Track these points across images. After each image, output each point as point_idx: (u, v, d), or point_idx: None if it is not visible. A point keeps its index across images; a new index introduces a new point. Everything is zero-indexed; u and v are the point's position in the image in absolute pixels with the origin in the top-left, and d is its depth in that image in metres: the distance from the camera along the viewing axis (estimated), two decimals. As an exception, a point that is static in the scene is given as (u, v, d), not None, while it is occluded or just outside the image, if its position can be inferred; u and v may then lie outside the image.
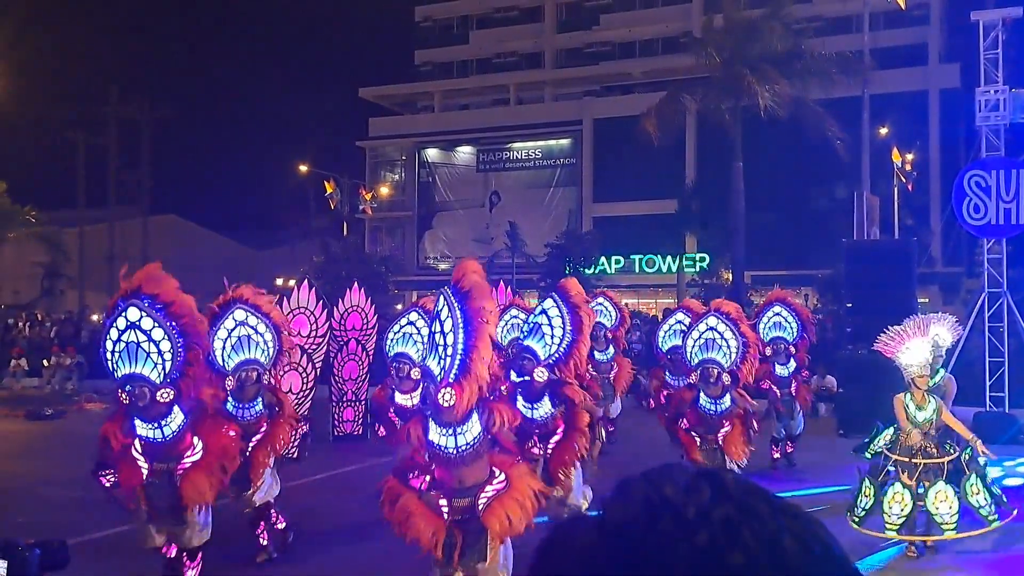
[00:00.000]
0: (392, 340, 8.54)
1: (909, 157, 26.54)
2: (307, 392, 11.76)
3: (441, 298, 5.05)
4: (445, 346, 4.93)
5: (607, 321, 11.45)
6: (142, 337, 5.51)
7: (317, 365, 11.79)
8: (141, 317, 5.50)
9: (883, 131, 27.37)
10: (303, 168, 37.09)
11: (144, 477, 5.76)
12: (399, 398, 8.44)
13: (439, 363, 4.98)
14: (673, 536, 0.57)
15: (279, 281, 33.45)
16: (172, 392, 5.59)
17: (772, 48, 21.70)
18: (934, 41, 34.39)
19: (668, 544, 0.57)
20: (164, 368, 5.58)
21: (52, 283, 34.61)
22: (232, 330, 7.17)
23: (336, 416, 13.33)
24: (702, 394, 7.93)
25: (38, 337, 24.21)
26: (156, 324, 5.53)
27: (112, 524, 7.72)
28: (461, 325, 4.88)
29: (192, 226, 44.36)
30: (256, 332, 7.29)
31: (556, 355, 7.22)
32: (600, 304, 11.66)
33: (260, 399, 7.18)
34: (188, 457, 5.77)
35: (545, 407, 7.14)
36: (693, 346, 7.99)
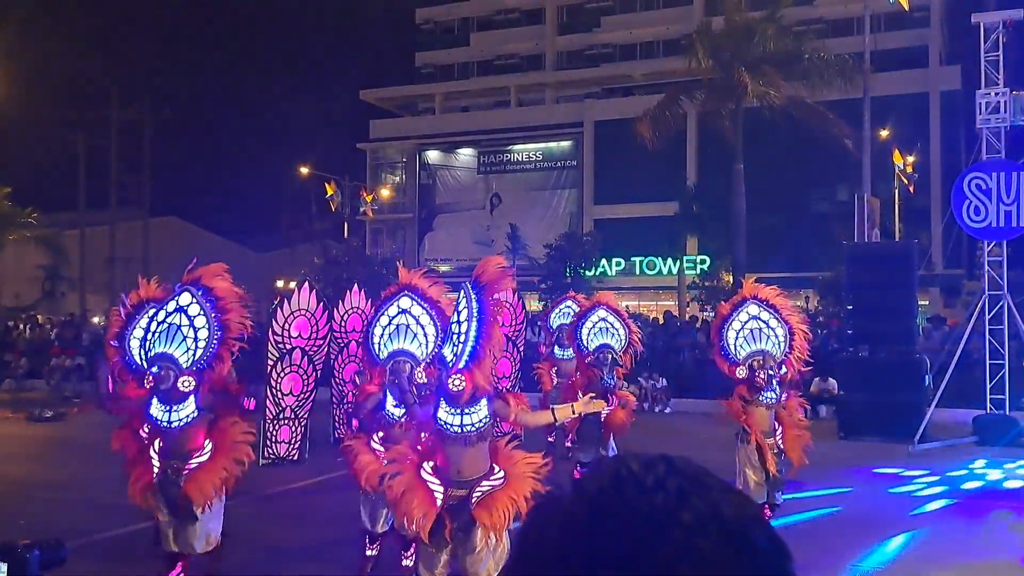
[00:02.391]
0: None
1: (910, 159, 26.55)
2: (308, 394, 11.78)
3: (461, 292, 5.20)
4: (459, 334, 5.12)
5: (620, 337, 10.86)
6: (184, 321, 5.78)
7: (318, 367, 11.82)
8: (191, 303, 5.80)
9: (884, 133, 27.38)
10: (304, 170, 37.12)
11: (155, 476, 5.82)
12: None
13: (452, 350, 5.16)
14: (635, 499, 0.69)
15: (280, 283, 33.50)
16: (194, 381, 5.72)
17: (772, 50, 21.70)
18: (935, 43, 34.40)
19: (631, 506, 0.69)
20: (194, 355, 5.74)
21: (53, 286, 34.64)
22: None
23: (336, 418, 13.32)
24: (752, 387, 7.37)
25: (38, 339, 24.23)
26: (202, 312, 5.79)
27: (113, 526, 7.73)
28: (476, 315, 5.07)
29: (193, 228, 44.39)
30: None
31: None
32: (568, 307, 11.41)
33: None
34: (196, 457, 5.83)
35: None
36: (738, 338, 7.44)
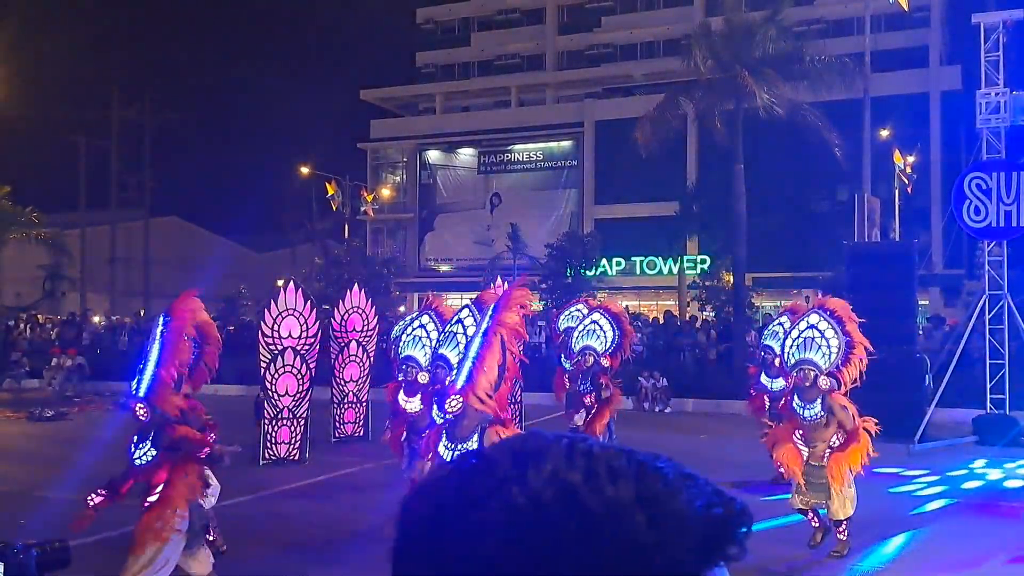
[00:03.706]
0: (404, 342, 8.32)
1: (910, 159, 26.55)
2: (304, 393, 11.79)
3: (466, 310, 5.53)
4: (464, 355, 5.21)
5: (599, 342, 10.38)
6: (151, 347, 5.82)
7: (311, 366, 11.82)
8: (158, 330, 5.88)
9: (884, 133, 27.37)
10: (305, 170, 37.12)
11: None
12: (401, 399, 8.45)
13: (457, 366, 5.29)
14: (533, 459, 0.69)
15: (280, 283, 33.48)
16: (144, 409, 5.62)
17: (772, 51, 21.69)
18: (935, 43, 34.39)
19: (529, 465, 0.68)
20: (142, 382, 5.71)
21: (54, 285, 34.64)
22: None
23: (337, 417, 13.35)
24: (796, 398, 7.31)
25: (39, 339, 24.24)
26: (156, 338, 5.82)
27: (116, 526, 7.73)
28: (480, 336, 5.15)
29: (194, 228, 44.41)
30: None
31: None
32: (578, 310, 11.19)
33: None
34: (152, 495, 5.73)
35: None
36: (792, 346, 7.34)
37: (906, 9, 24.35)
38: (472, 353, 5.12)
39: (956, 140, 29.17)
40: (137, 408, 5.63)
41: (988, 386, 13.17)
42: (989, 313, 13.22)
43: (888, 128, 27.70)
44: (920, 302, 16.59)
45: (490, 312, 5.21)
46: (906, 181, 25.47)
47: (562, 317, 12.53)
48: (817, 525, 7.22)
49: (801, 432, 7.19)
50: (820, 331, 7.21)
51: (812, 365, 7.09)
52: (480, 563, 0.65)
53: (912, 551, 7.48)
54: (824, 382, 7.06)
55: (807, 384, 7.08)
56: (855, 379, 7.23)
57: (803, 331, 7.27)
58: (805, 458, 7.14)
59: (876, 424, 7.23)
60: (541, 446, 0.70)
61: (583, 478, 0.66)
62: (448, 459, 5.07)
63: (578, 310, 11.09)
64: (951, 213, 13.68)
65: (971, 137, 13.62)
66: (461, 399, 5.05)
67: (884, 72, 27.45)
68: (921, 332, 15.96)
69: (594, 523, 0.64)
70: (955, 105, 29.61)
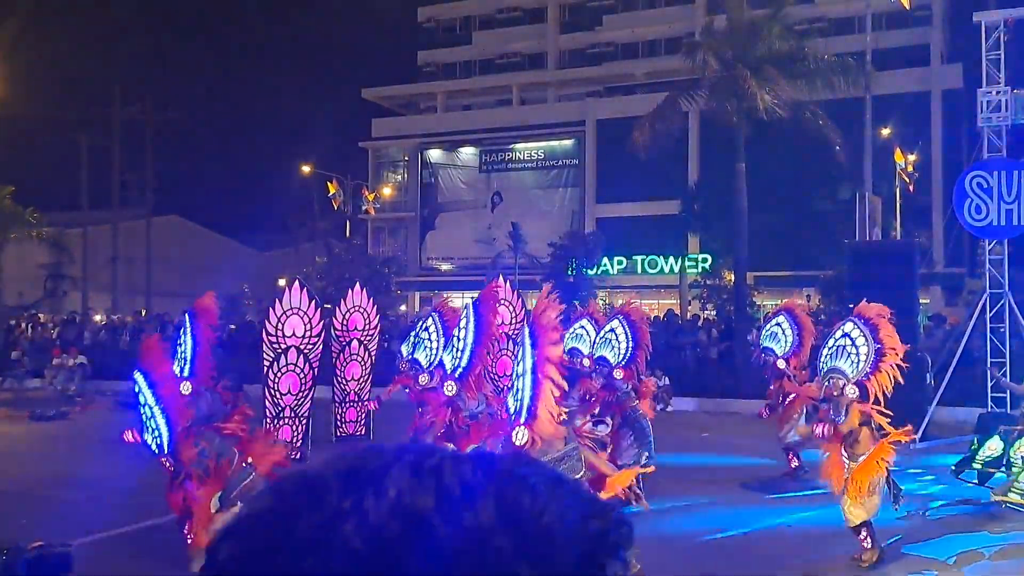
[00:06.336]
0: (410, 343, 9.04)
1: (911, 158, 26.54)
2: (307, 392, 11.79)
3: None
4: (517, 388, 5.29)
5: (584, 347, 10.31)
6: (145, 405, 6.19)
7: (315, 365, 11.81)
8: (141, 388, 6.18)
9: (886, 132, 27.35)
10: (306, 169, 37.13)
11: None
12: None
13: (514, 401, 5.32)
14: (372, 483, 0.57)
15: (282, 282, 33.51)
16: (171, 462, 6.19)
17: (774, 49, 21.65)
18: (936, 42, 34.37)
19: (367, 492, 0.57)
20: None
21: (55, 284, 34.67)
22: None
23: (339, 416, 13.36)
24: (831, 409, 7.19)
25: (40, 338, 24.27)
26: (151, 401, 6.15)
27: (117, 524, 7.74)
28: (530, 370, 5.22)
29: (196, 227, 44.42)
30: None
31: (460, 368, 7.59)
32: (582, 327, 10.71)
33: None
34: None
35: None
36: (826, 355, 7.29)
37: (907, 7, 24.31)
38: (526, 393, 5.20)
39: (957, 139, 29.16)
40: (164, 462, 6.13)
41: (989, 384, 13.16)
42: (990, 312, 13.21)
43: (889, 127, 27.68)
44: (921, 301, 16.58)
45: (528, 344, 5.22)
46: (907, 180, 25.47)
47: (567, 336, 12.30)
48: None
49: (841, 443, 7.10)
50: (852, 339, 7.16)
51: (840, 374, 7.06)
52: None
53: (912, 550, 7.49)
54: (851, 390, 6.99)
55: (835, 393, 7.07)
56: (886, 387, 7.08)
57: (837, 339, 7.25)
58: (847, 468, 7.01)
59: (908, 433, 7.09)
60: (380, 465, 0.58)
61: (434, 503, 0.55)
62: None
63: (582, 327, 10.77)
64: (952, 212, 13.67)
65: (972, 136, 13.62)
66: (527, 433, 5.16)
67: (886, 71, 27.43)
68: (922, 331, 15.95)
69: (451, 558, 0.53)
70: (956, 104, 29.61)
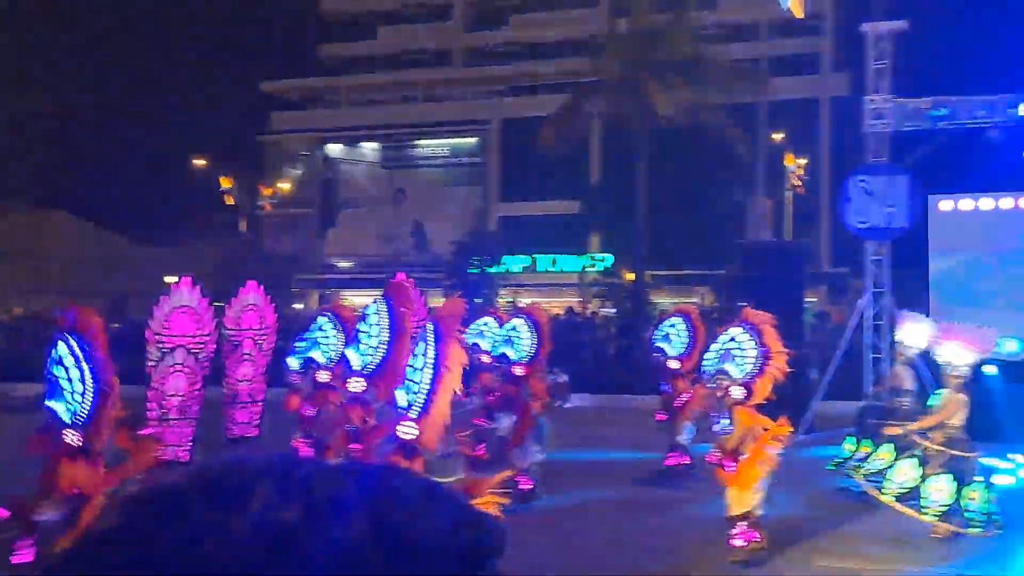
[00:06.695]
0: (299, 354, 9.19)
1: (802, 162, 27.52)
2: (195, 393, 11.36)
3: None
4: (415, 381, 5.33)
5: (486, 344, 10.23)
6: (62, 373, 5.81)
7: (204, 365, 11.39)
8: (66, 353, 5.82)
9: (777, 136, 28.28)
10: (201, 163, 35.99)
11: None
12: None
13: (407, 395, 5.37)
14: (237, 497, 0.53)
15: (172, 279, 32.38)
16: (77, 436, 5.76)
17: (675, 54, 22.12)
18: (826, 50, 35.73)
19: (231, 507, 0.53)
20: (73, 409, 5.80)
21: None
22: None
23: (230, 418, 12.92)
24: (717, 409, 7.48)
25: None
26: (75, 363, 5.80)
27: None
28: (431, 365, 5.27)
29: (83, 223, 42.41)
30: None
31: (373, 364, 7.35)
32: (485, 324, 10.67)
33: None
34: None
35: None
36: (714, 358, 7.56)
37: (800, 16, 25.19)
38: (424, 388, 5.26)
39: (845, 144, 30.37)
40: (68, 433, 5.72)
41: (870, 379, 13.71)
42: (872, 310, 13.77)
43: (782, 131, 28.64)
44: (808, 299, 17.17)
45: (432, 341, 5.25)
46: (798, 183, 26.39)
47: (469, 330, 12.28)
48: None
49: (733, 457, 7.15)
50: (739, 343, 7.47)
51: (726, 375, 7.32)
52: None
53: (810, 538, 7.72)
54: (736, 391, 7.20)
55: (720, 395, 7.34)
56: (770, 390, 7.29)
57: (725, 343, 7.56)
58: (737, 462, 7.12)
59: (780, 438, 7.12)
60: (244, 479, 0.55)
61: (302, 517, 0.53)
62: None
63: (485, 324, 10.72)
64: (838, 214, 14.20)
65: (858, 141, 14.19)
66: (416, 428, 5.22)
67: (778, 77, 28.37)
68: (808, 328, 16.53)
69: (320, 573, 0.51)
70: (844, 110, 30.84)
